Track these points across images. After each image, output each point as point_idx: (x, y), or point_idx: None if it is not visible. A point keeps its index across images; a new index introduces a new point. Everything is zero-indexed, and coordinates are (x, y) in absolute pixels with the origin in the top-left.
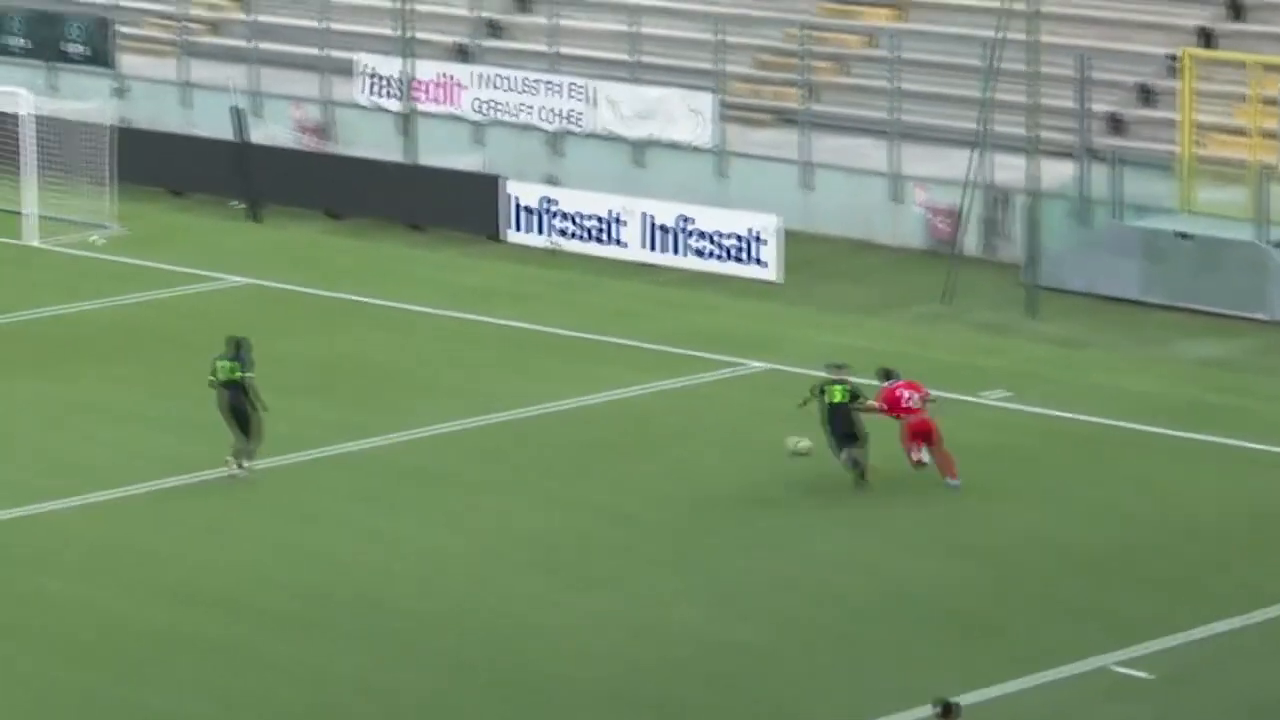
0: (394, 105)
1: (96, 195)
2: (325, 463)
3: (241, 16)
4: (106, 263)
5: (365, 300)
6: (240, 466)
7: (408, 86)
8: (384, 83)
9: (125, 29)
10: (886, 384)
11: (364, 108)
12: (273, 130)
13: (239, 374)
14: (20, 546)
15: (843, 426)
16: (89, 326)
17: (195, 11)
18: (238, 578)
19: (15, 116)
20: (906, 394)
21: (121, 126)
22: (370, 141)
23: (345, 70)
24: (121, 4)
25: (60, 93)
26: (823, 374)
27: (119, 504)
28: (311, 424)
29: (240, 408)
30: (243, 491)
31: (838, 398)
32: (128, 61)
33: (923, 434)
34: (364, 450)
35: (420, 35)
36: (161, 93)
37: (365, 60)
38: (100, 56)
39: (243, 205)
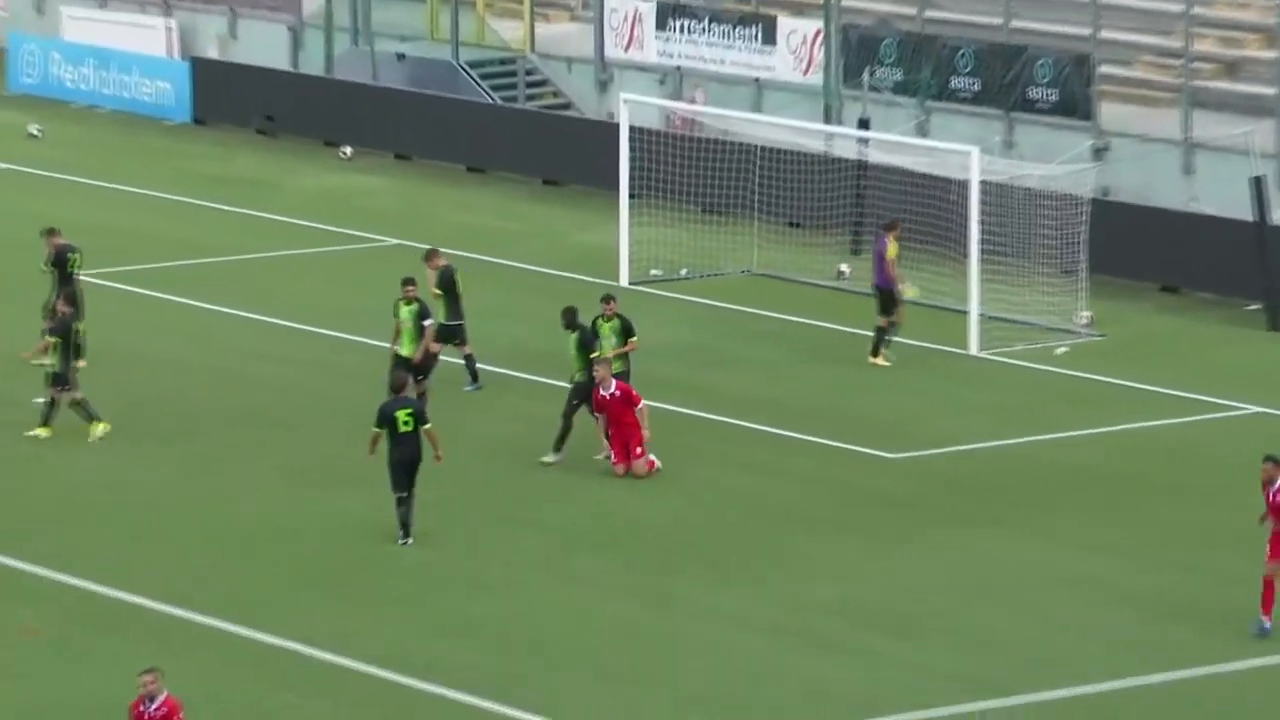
0: None
1: (1064, 290)
2: None
3: (1269, 54)
4: (1070, 380)
5: None
6: None
7: None
8: None
9: (1110, 69)
10: None
11: None
12: None
13: None
14: None
15: None
16: (1039, 465)
17: (1204, 48)
18: None
19: (959, 184)
20: None
21: (1100, 199)
22: None
23: None
24: (1106, 36)
25: (1019, 152)
26: None
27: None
28: None
29: None
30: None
31: None
32: (1111, 112)
33: None
34: None
35: None
36: (1155, 155)
37: None
38: (1074, 105)
39: (1260, 308)
